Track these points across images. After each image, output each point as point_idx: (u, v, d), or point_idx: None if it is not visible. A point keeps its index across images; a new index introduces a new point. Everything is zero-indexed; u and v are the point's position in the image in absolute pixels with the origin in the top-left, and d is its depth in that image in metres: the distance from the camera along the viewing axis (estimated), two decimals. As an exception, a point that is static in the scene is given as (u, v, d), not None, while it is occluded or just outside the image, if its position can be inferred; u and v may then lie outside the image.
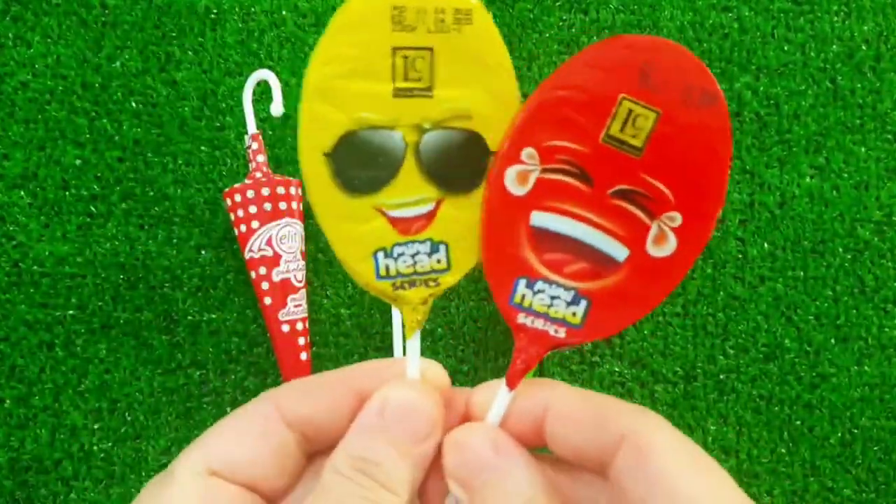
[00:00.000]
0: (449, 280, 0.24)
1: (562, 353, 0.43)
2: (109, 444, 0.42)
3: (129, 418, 0.42)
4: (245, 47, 0.45)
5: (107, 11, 0.45)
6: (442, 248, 0.24)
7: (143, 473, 0.41)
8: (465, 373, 0.43)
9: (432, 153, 0.23)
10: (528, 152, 0.23)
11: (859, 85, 0.45)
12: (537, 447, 0.23)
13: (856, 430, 0.43)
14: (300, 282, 0.40)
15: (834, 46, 0.45)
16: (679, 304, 0.43)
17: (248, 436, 0.22)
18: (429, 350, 0.43)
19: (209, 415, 0.42)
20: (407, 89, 0.22)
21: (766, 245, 0.44)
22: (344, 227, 0.23)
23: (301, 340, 0.40)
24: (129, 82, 0.44)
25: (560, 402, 0.22)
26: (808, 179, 0.45)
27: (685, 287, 0.43)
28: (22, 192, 0.43)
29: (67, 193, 0.43)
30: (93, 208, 0.43)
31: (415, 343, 0.24)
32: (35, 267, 0.43)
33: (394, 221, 0.24)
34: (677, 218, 0.23)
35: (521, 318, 0.25)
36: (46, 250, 0.43)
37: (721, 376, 0.43)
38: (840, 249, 0.44)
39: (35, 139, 0.44)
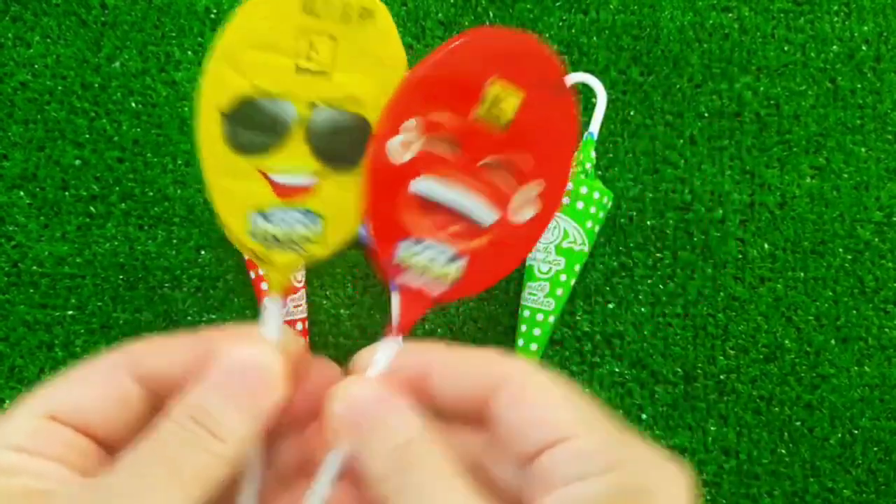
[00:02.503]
0: (318, 251, 0.26)
1: (562, 355, 0.43)
2: (109, 444, 0.42)
3: (128, 419, 0.42)
4: (245, 47, 0.45)
5: (106, 12, 0.45)
6: (318, 219, 0.26)
7: (143, 474, 0.41)
8: (465, 373, 0.43)
9: (320, 129, 0.25)
10: (407, 125, 0.26)
11: (859, 85, 0.45)
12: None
13: (856, 431, 0.43)
14: (300, 282, 0.40)
15: (834, 47, 0.45)
16: (679, 304, 0.43)
17: (90, 382, 0.22)
18: (429, 350, 0.43)
19: (209, 415, 0.42)
20: (307, 68, 0.25)
21: (766, 245, 0.44)
22: (226, 183, 0.25)
23: (300, 341, 0.40)
24: (129, 82, 0.44)
25: (443, 354, 0.24)
26: (808, 180, 0.45)
27: (685, 287, 0.43)
28: (21, 193, 0.43)
29: (67, 194, 0.43)
30: (92, 209, 0.43)
31: (275, 305, 0.25)
32: (34, 267, 0.43)
33: (275, 186, 0.25)
34: (536, 186, 0.27)
35: (403, 278, 0.27)
36: (46, 251, 0.43)
37: (721, 377, 0.43)
38: (840, 250, 0.44)
39: (35, 139, 0.44)
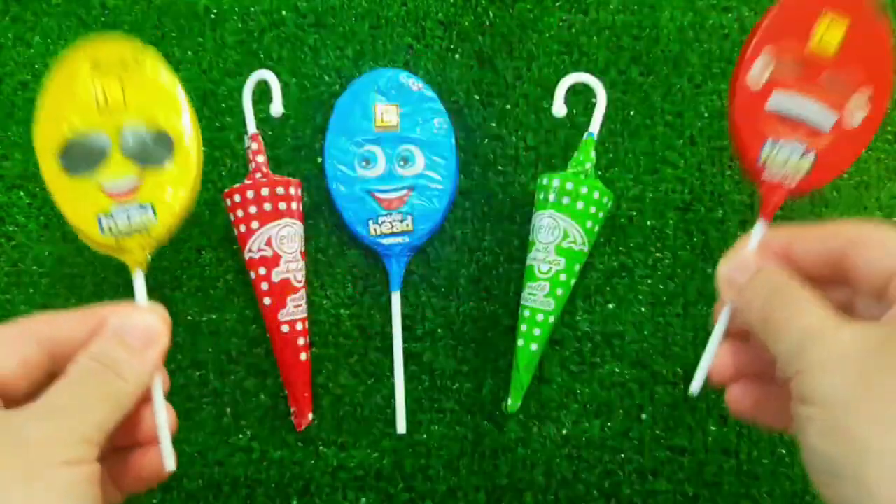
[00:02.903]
0: (158, 230, 0.35)
1: (562, 355, 0.43)
2: (109, 444, 0.42)
3: (128, 419, 0.42)
4: (245, 47, 0.45)
5: (106, 12, 0.45)
6: (148, 207, 0.35)
7: (143, 474, 0.41)
8: (465, 373, 0.43)
9: (131, 146, 0.35)
10: (767, 49, 0.34)
11: (860, 85, 0.45)
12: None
13: (856, 431, 0.43)
14: (300, 282, 0.40)
15: (834, 47, 0.45)
16: (679, 304, 0.43)
17: (4, 348, 0.27)
18: (429, 350, 0.43)
19: (209, 415, 0.42)
20: (106, 106, 0.35)
21: (766, 245, 0.44)
22: (72, 201, 0.34)
23: (301, 341, 0.40)
24: (129, 82, 0.44)
25: (802, 228, 0.30)
26: (808, 180, 0.45)
27: (685, 287, 0.43)
28: (21, 193, 0.43)
29: (67, 194, 0.43)
30: (92, 209, 0.43)
31: (139, 281, 0.35)
32: (34, 267, 0.43)
33: (110, 194, 0.34)
34: (866, 93, 0.34)
35: (768, 173, 0.35)
36: (46, 251, 0.43)
37: (721, 377, 0.43)
38: (840, 250, 0.44)
39: (35, 139, 0.44)
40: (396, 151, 0.42)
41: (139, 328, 0.31)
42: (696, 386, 0.33)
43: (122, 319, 0.30)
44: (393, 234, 0.42)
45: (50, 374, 0.28)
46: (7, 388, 0.27)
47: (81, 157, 0.35)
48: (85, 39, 0.35)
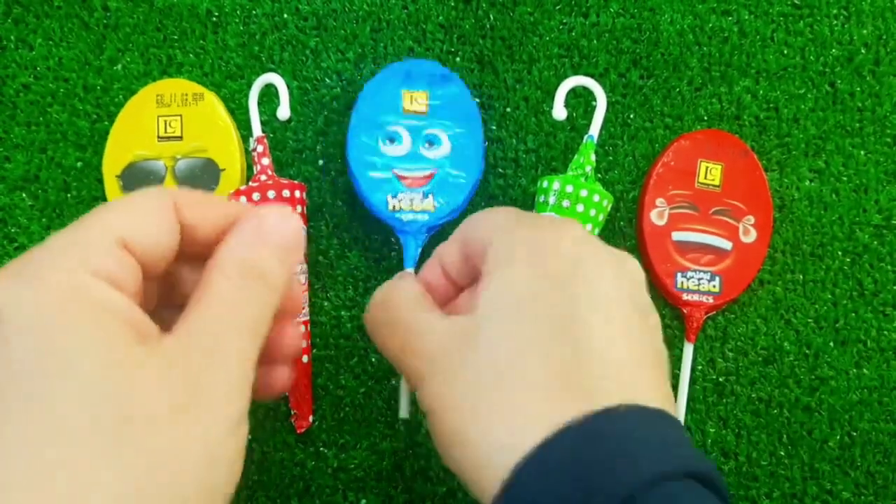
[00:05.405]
0: None
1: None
2: (110, 445, 0.42)
3: (129, 420, 0.42)
4: (246, 50, 0.45)
5: (108, 14, 0.45)
6: None
7: (144, 475, 0.41)
8: (466, 375, 0.43)
9: (183, 172, 0.41)
10: (659, 200, 0.42)
11: (858, 88, 0.45)
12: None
13: (855, 433, 0.43)
14: (303, 284, 0.40)
15: (833, 50, 0.46)
16: (679, 306, 0.43)
17: (149, 212, 0.23)
18: (429, 352, 0.43)
19: (210, 417, 0.42)
20: (166, 137, 0.42)
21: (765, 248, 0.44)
22: None
23: (302, 343, 0.40)
24: (131, 85, 0.44)
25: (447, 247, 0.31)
26: (807, 183, 0.45)
27: (685, 290, 0.43)
28: (23, 194, 0.43)
29: (69, 195, 0.43)
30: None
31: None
32: (36, 269, 0.43)
33: None
34: (752, 218, 0.42)
35: (685, 297, 0.41)
36: (48, 252, 0.43)
37: (720, 379, 0.43)
38: (839, 253, 0.44)
39: (37, 141, 0.44)
40: (423, 134, 0.42)
41: (284, 229, 0.25)
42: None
43: (264, 218, 0.25)
44: (413, 211, 0.41)
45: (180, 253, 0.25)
46: (149, 263, 0.24)
47: (139, 180, 0.41)
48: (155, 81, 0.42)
